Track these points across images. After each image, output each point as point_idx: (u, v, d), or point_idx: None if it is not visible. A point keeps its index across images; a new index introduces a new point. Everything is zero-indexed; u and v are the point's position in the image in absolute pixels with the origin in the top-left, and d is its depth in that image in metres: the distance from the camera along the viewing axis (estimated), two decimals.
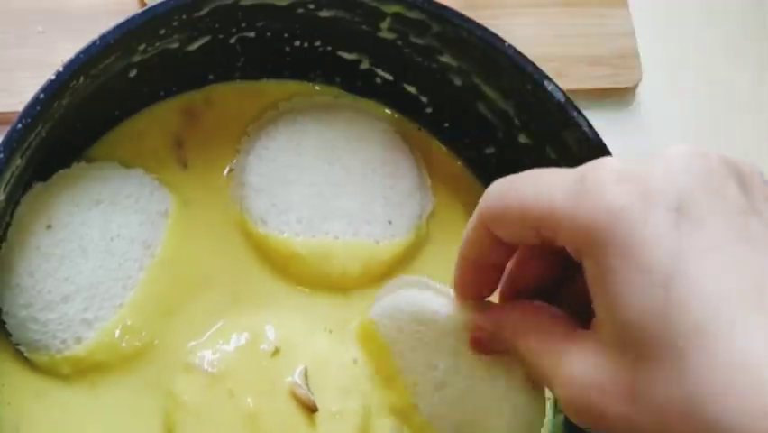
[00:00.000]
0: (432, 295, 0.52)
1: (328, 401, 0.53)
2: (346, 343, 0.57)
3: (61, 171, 0.57)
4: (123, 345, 0.55)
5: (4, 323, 0.55)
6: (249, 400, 0.53)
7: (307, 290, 0.59)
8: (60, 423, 0.54)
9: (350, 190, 0.60)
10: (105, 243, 0.56)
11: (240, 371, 0.54)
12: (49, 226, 0.55)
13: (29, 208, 0.56)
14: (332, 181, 0.60)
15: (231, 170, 0.61)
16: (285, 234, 0.59)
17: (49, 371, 0.55)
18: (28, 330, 0.54)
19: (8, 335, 0.55)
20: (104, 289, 0.55)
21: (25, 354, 0.55)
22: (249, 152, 0.61)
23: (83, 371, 0.55)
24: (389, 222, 0.60)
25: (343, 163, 0.61)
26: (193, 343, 0.56)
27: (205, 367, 0.54)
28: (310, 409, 0.53)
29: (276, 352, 0.55)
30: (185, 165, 0.61)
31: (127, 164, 0.59)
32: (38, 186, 0.56)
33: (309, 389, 0.53)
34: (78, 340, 0.54)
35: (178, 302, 0.57)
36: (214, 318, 0.57)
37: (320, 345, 0.56)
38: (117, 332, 0.55)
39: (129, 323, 0.55)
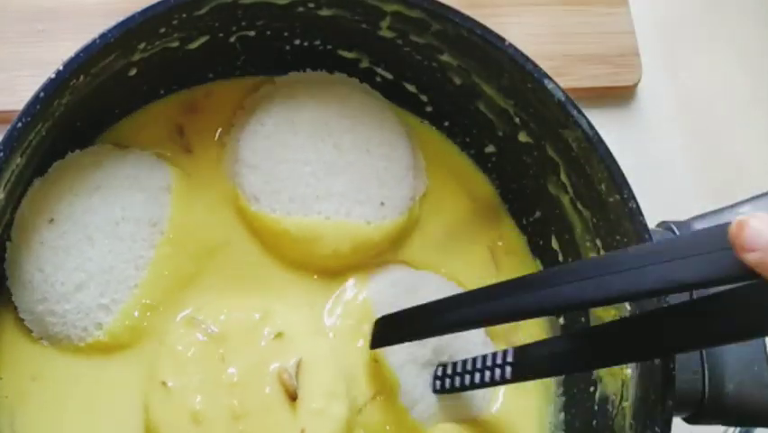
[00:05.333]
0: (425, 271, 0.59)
1: (312, 398, 0.54)
2: (348, 351, 0.57)
3: (56, 163, 0.57)
4: (144, 323, 0.56)
5: (22, 320, 0.56)
6: (236, 369, 0.54)
7: (300, 271, 0.59)
8: (59, 413, 0.55)
9: (343, 171, 0.60)
10: (110, 227, 0.56)
11: (238, 341, 0.55)
12: (51, 220, 0.55)
13: (28, 205, 0.56)
14: (325, 161, 0.60)
15: (222, 143, 0.61)
16: (277, 213, 0.59)
17: (76, 357, 0.55)
18: (47, 324, 0.55)
19: (29, 331, 0.55)
20: (116, 272, 0.56)
21: (48, 347, 0.55)
22: (244, 126, 0.61)
23: (107, 352, 0.56)
24: (382, 203, 0.60)
25: (337, 142, 0.60)
26: (200, 305, 0.57)
27: (209, 325, 0.55)
28: (290, 396, 0.53)
29: (278, 336, 0.55)
30: (189, 150, 0.61)
31: (123, 146, 0.59)
32: (36, 182, 0.56)
33: (297, 380, 0.53)
34: (99, 326, 0.55)
35: (192, 274, 0.58)
36: (227, 290, 0.58)
37: (321, 346, 0.56)
38: (136, 312, 0.56)
39: (146, 301, 0.56)
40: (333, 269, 0.60)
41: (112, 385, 0.55)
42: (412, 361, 0.57)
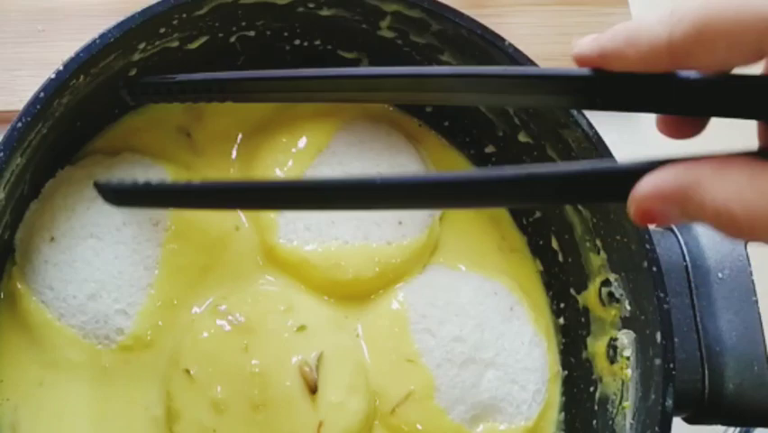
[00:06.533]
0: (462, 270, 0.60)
1: (332, 391, 0.54)
2: (379, 351, 0.57)
3: (48, 184, 0.57)
4: (166, 321, 0.56)
5: None
6: (259, 360, 0.54)
7: (325, 297, 0.59)
8: (62, 412, 0.54)
9: None
10: (112, 234, 0.56)
11: (261, 331, 0.55)
12: (52, 239, 0.55)
13: (27, 228, 0.56)
14: None
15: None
16: (294, 243, 0.58)
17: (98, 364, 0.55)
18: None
19: None
20: (126, 276, 0.55)
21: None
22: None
23: (129, 351, 0.55)
24: (400, 222, 0.60)
25: (349, 168, 0.60)
26: (223, 295, 0.57)
27: (236, 316, 0.55)
28: (310, 388, 0.53)
29: (301, 328, 0.55)
30: (196, 151, 0.61)
31: (113, 154, 0.59)
32: (33, 205, 0.56)
33: (317, 373, 0.54)
34: (120, 331, 0.55)
35: (205, 266, 0.58)
36: (245, 280, 0.58)
37: (343, 341, 0.57)
38: (154, 311, 0.56)
39: (164, 299, 0.56)
40: (357, 295, 0.59)
41: (137, 379, 0.55)
42: (449, 360, 0.56)
